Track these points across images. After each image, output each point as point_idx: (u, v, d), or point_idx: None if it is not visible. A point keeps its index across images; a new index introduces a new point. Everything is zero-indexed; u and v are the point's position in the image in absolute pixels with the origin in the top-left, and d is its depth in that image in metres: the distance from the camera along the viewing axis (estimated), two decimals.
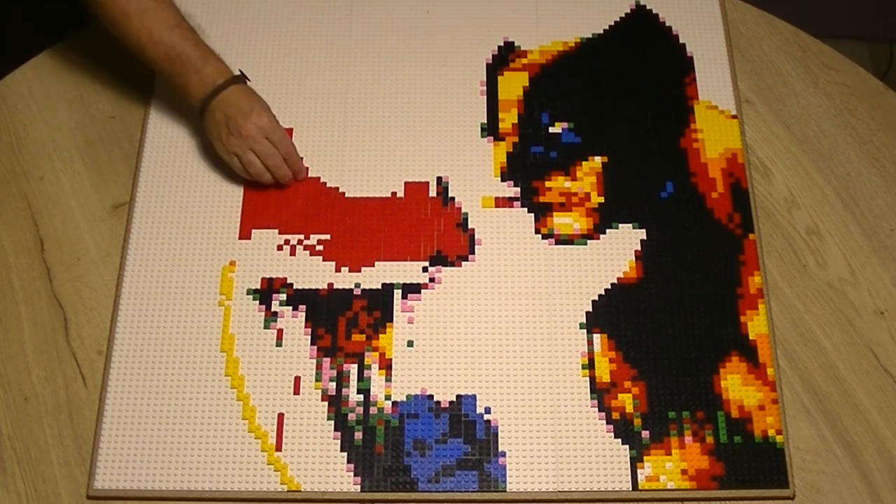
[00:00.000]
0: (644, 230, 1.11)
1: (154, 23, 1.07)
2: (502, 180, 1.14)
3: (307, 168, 1.14)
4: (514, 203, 1.13)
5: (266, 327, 1.06)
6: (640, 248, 1.10)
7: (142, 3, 1.07)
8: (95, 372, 1.04)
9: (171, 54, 1.07)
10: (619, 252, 1.10)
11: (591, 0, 1.26)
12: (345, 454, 1.00)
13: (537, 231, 1.11)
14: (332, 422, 1.01)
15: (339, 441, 1.00)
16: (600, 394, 1.02)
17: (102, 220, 1.12)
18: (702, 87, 1.20)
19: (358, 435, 1.00)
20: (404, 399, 1.02)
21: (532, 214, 1.12)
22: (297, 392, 1.02)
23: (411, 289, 1.08)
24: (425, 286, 1.08)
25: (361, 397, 1.02)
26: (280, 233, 1.11)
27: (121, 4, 1.07)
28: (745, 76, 1.21)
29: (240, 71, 1.12)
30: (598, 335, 1.05)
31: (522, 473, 0.99)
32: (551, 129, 1.17)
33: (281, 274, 1.08)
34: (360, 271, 1.08)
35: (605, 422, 1.01)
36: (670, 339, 1.05)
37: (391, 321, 1.06)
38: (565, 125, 1.17)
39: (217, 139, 1.09)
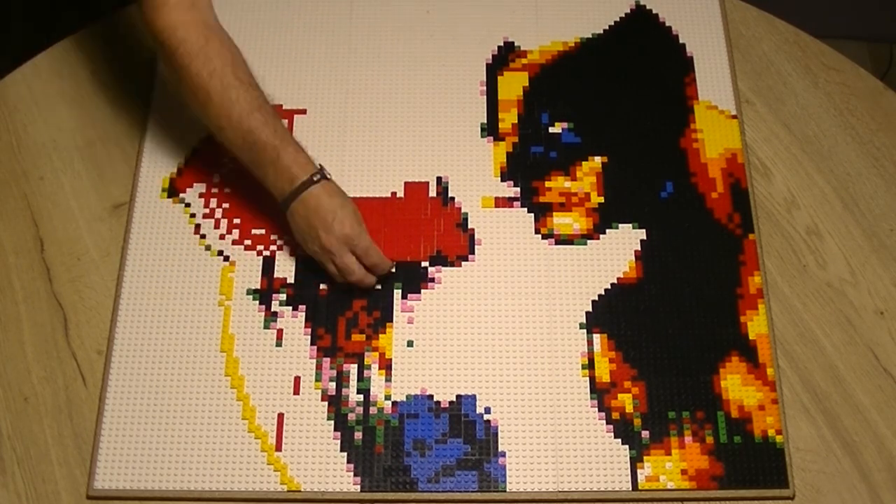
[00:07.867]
0: (644, 230, 1.11)
1: (234, 104, 1.00)
2: (502, 180, 1.14)
3: (393, 263, 1.08)
4: (514, 203, 1.13)
5: (266, 327, 1.06)
6: (640, 248, 1.10)
7: (224, 80, 1.00)
8: (95, 372, 1.04)
9: (249, 139, 1.01)
10: (619, 252, 1.10)
11: (591, 0, 1.26)
12: (345, 454, 1.00)
13: (537, 231, 1.11)
14: (332, 422, 1.01)
15: (339, 441, 1.00)
16: (600, 394, 1.02)
17: (102, 220, 1.12)
18: (702, 87, 1.20)
19: (358, 435, 1.00)
20: (404, 399, 1.02)
21: (532, 214, 1.12)
22: (296, 392, 1.02)
23: (411, 289, 1.08)
24: (425, 286, 1.08)
25: (361, 397, 1.02)
26: (280, 233, 1.10)
27: (202, 81, 1.00)
28: (745, 76, 1.21)
29: (319, 165, 1.04)
30: (598, 335, 1.05)
31: (522, 473, 0.99)
32: (551, 129, 1.17)
33: (281, 274, 1.08)
34: None
35: (605, 422, 1.01)
36: (670, 339, 1.05)
37: (391, 321, 1.06)
38: (565, 125, 1.17)
39: (303, 243, 1.04)
